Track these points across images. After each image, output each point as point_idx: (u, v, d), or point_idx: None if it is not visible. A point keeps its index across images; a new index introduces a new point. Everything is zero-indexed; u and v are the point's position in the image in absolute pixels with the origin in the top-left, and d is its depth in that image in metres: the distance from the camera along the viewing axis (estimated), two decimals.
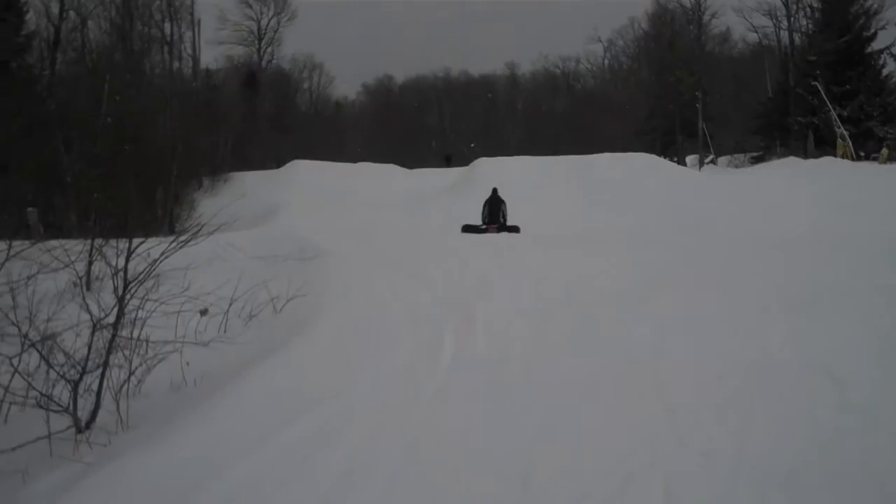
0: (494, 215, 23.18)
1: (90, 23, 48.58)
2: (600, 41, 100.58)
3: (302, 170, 46.65)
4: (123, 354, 7.68)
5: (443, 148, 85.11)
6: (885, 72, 54.41)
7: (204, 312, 10.31)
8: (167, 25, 62.48)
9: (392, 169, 50.39)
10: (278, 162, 58.09)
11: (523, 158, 42.55)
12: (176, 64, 64.26)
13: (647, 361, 8.23)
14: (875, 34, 54.20)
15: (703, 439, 6.00)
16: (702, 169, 54.18)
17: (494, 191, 24.19)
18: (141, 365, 7.87)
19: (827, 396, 6.78)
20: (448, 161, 49.68)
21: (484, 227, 22.65)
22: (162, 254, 8.06)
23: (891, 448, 5.65)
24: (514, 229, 22.25)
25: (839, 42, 52.08)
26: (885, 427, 6.02)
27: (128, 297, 7.58)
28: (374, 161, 55.87)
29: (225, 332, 9.99)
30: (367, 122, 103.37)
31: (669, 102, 66.66)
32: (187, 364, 8.25)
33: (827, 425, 6.15)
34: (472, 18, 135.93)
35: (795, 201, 25.52)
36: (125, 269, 7.57)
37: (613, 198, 29.97)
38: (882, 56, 54.04)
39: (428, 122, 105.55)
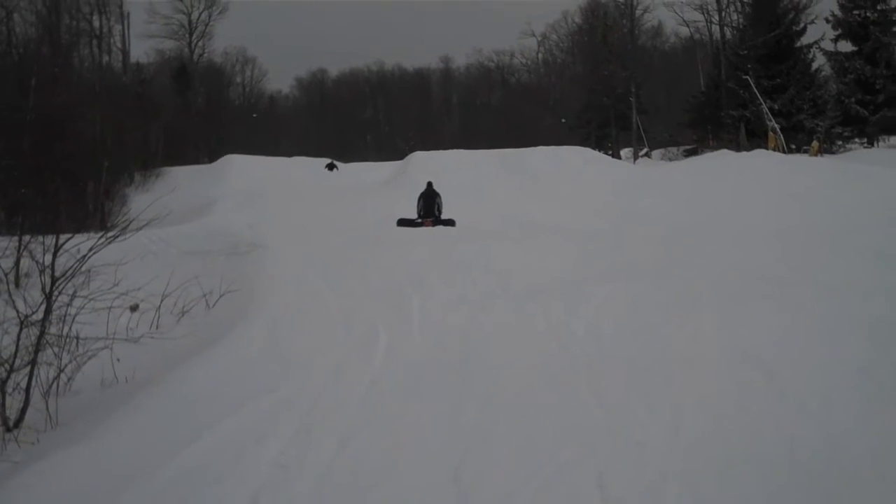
0: (429, 209, 23.11)
1: (16, 16, 47.65)
2: (534, 35, 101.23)
3: (235, 164, 46.36)
4: (53, 351, 7.56)
5: (378, 141, 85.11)
6: (814, 66, 55.40)
7: (134, 308, 10.19)
8: (96, 18, 61.84)
9: (326, 163, 50.24)
10: (211, 156, 57.74)
11: (458, 152, 42.53)
12: (105, 58, 63.65)
13: (580, 352, 8.30)
14: (804, 29, 55.25)
15: (635, 429, 6.04)
16: (636, 162, 54.68)
17: (429, 184, 24.14)
18: (71, 362, 7.76)
19: (757, 385, 6.88)
20: (330, 170, 48.75)
21: (419, 220, 22.60)
22: (90, 249, 7.93)
23: (818, 436, 5.74)
24: (450, 223, 22.23)
25: (769, 36, 52.92)
26: (812, 415, 6.11)
27: (56, 293, 7.45)
28: (309, 155, 55.77)
29: (157, 328, 9.91)
30: (302, 116, 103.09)
31: (603, 96, 67.24)
32: (118, 361, 8.16)
33: (757, 413, 6.24)
34: (405, 12, 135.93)
35: (728, 193, 25.78)
36: (52, 266, 7.44)
37: (548, 191, 30.06)
38: (811, 50, 55.00)
39: (363, 116, 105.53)
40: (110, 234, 8.34)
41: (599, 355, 8.12)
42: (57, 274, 7.46)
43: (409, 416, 6.58)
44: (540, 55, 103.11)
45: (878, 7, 52.43)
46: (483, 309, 10.39)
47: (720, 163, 32.80)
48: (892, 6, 52.34)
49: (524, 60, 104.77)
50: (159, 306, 10.49)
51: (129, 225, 8.52)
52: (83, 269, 8.03)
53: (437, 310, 10.41)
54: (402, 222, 22.24)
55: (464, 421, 6.40)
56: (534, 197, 29.05)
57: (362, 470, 5.58)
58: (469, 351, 8.54)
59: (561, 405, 6.66)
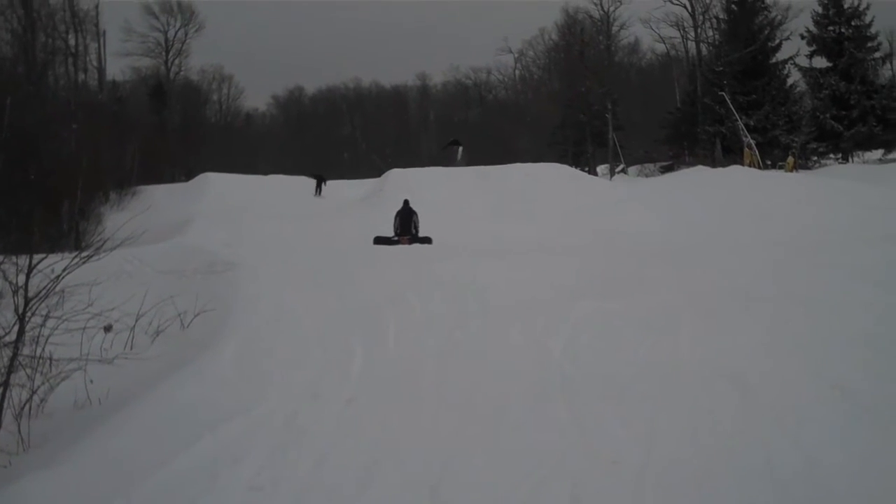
0: (406, 227, 23.14)
1: None
2: (511, 52, 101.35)
3: (212, 182, 46.21)
4: (25, 373, 7.50)
5: (355, 158, 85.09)
6: (789, 81, 55.84)
7: (108, 329, 10.11)
8: (71, 37, 61.49)
9: (303, 181, 50.15)
10: (188, 175, 57.52)
11: (436, 169, 42.58)
12: (81, 76, 63.29)
13: (556, 369, 8.29)
14: (779, 45, 55.72)
15: (611, 446, 6.04)
16: (613, 178, 54.78)
17: (406, 202, 24.17)
18: (44, 384, 7.69)
19: (733, 401, 6.89)
20: (318, 191, 46.88)
21: (396, 238, 22.60)
22: (65, 269, 7.87)
23: (795, 452, 5.75)
24: (427, 240, 22.23)
25: (745, 52, 53.29)
26: (789, 432, 6.12)
27: (29, 314, 7.39)
28: (287, 173, 55.63)
29: (131, 348, 9.83)
30: (278, 133, 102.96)
31: (580, 113, 67.31)
32: (91, 382, 8.07)
33: (733, 429, 6.25)
34: (382, 30, 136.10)
35: (704, 209, 25.92)
36: (26, 286, 7.37)
37: (526, 208, 30.11)
38: (786, 66, 55.44)
39: (339, 134, 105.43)
40: (84, 253, 8.28)
41: (575, 372, 8.13)
42: (30, 294, 7.40)
43: (385, 434, 6.56)
44: (517, 72, 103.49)
45: (853, 23, 53.04)
46: (459, 326, 10.37)
47: (696, 179, 32.96)
48: (867, 22, 52.91)
49: (501, 77, 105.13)
50: (133, 326, 10.41)
51: (103, 244, 8.46)
52: (57, 289, 7.96)
53: (414, 328, 10.39)
54: (379, 240, 22.23)
55: (440, 439, 6.39)
56: (511, 214, 29.12)
57: (338, 489, 5.56)
58: (445, 368, 8.52)
59: (537, 422, 6.66)
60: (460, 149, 34.17)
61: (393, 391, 7.77)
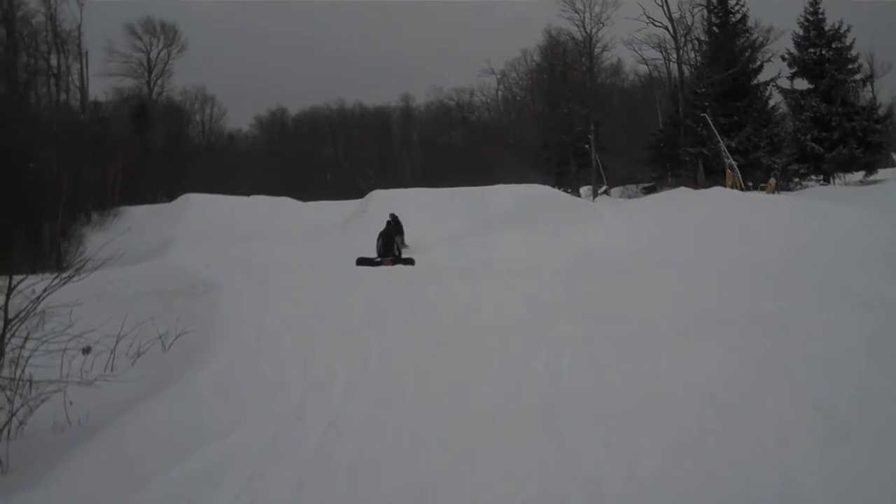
0: (388, 248, 23.18)
1: None
2: (493, 73, 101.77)
3: (194, 203, 46.14)
4: (5, 395, 7.45)
5: (338, 179, 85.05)
6: (770, 103, 56.24)
7: (87, 350, 10.04)
8: (54, 57, 61.44)
9: (286, 202, 50.16)
10: (170, 195, 57.46)
11: (419, 190, 42.66)
12: (63, 96, 63.19)
13: (538, 390, 8.28)
14: (761, 66, 56.18)
15: (593, 467, 6.04)
16: (595, 199, 54.94)
17: (391, 219, 24.27)
18: (23, 406, 7.63)
19: (713, 421, 6.89)
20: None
21: (378, 259, 22.61)
22: (45, 290, 7.84)
23: (775, 472, 5.75)
24: (409, 261, 22.25)
25: (726, 74, 53.64)
26: (769, 452, 6.13)
27: (9, 335, 7.35)
28: (268, 194, 55.63)
29: (112, 370, 9.77)
30: (261, 154, 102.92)
31: (563, 134, 67.55)
32: (71, 404, 8.02)
33: (714, 450, 6.25)
34: (365, 51, 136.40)
35: (687, 231, 25.95)
36: (5, 307, 7.34)
37: (508, 229, 30.13)
38: (768, 88, 55.87)
39: (323, 155, 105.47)
40: (65, 274, 8.25)
41: (557, 393, 8.12)
42: (10, 316, 7.36)
43: (366, 458, 6.53)
44: (500, 93, 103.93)
45: (833, 45, 53.57)
46: (442, 347, 10.35)
47: (678, 200, 33.00)
48: (847, 44, 53.40)
49: (484, 98, 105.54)
50: (114, 348, 10.35)
51: (84, 265, 8.43)
52: (37, 310, 7.93)
53: (396, 349, 10.36)
54: (362, 261, 22.23)
55: (422, 462, 6.37)
56: (493, 235, 29.11)
57: None
58: (427, 390, 8.50)
59: (519, 444, 6.64)
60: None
61: (375, 413, 7.74)
